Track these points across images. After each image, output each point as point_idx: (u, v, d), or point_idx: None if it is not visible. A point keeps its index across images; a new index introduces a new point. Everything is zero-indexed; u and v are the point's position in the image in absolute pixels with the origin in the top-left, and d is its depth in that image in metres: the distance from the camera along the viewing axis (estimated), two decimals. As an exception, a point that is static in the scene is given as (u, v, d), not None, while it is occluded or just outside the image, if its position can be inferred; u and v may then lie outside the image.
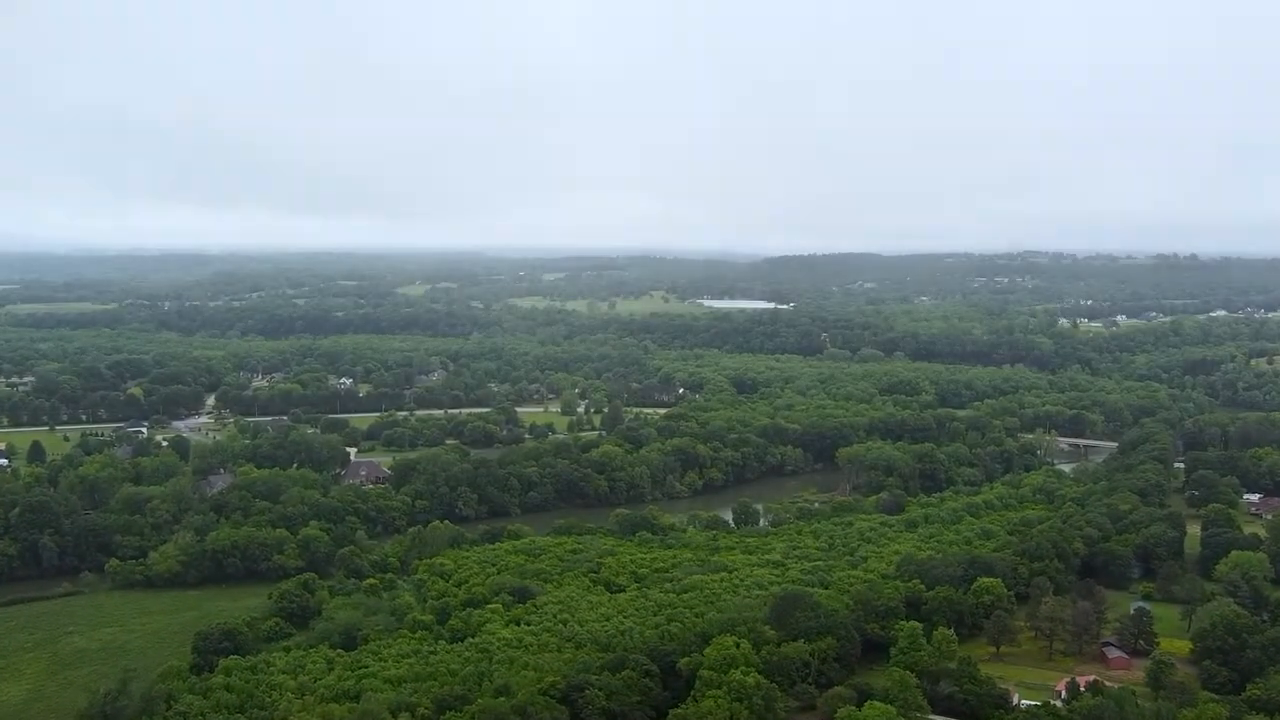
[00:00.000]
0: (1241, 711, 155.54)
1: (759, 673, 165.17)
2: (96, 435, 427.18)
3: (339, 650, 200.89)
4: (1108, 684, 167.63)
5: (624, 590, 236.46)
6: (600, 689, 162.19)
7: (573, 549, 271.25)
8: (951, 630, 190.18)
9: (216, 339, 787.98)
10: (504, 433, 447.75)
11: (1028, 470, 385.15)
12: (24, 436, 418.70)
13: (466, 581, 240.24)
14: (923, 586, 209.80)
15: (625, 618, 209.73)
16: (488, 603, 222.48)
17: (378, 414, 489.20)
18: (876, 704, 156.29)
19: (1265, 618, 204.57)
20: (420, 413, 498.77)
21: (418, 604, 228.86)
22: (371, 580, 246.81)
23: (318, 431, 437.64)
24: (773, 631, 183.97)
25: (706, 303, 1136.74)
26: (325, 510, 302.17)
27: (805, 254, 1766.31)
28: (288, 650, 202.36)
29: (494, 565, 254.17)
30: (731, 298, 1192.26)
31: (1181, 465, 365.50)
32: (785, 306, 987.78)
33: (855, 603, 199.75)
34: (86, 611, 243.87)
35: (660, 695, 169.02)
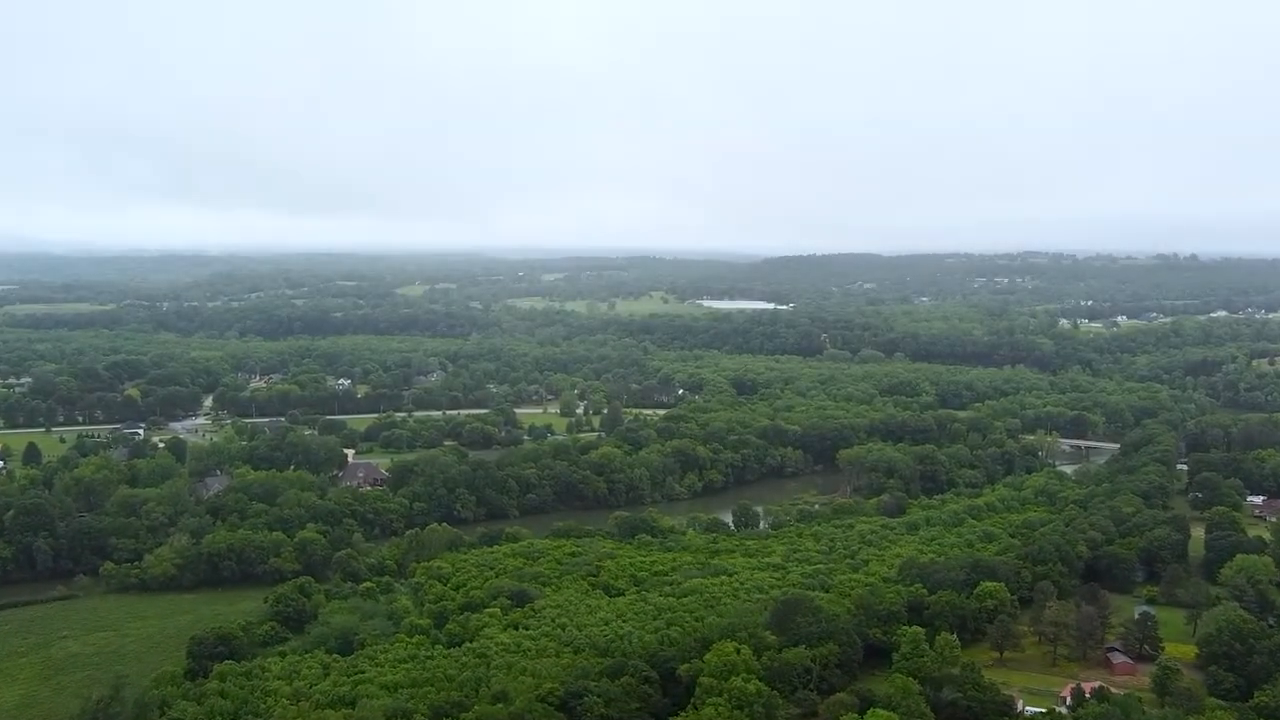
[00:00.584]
0: (1249, 719, 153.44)
1: (760, 679, 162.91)
2: (93, 437, 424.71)
3: (335, 655, 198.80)
4: (1113, 690, 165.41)
5: (623, 594, 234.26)
6: (599, 696, 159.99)
7: (571, 552, 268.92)
8: (954, 635, 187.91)
9: (215, 340, 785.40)
10: (502, 434, 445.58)
11: (1029, 472, 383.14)
12: (20, 438, 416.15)
13: (464, 585, 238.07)
14: (925, 590, 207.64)
15: (624, 622, 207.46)
16: (486, 607, 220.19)
17: (376, 415, 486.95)
18: (879, 711, 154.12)
19: (1271, 622, 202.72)
20: (418, 414, 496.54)
21: (415, 608, 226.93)
22: (368, 584, 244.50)
23: (315, 433, 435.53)
24: (773, 637, 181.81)
25: (706, 303, 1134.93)
26: (322, 513, 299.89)
27: (805, 254, 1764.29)
28: (283, 655, 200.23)
29: (492, 568, 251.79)
30: (731, 298, 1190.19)
31: (1184, 467, 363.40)
32: (785, 307, 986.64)
33: (857, 607, 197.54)
34: (81, 615, 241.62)
35: (660, 702, 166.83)
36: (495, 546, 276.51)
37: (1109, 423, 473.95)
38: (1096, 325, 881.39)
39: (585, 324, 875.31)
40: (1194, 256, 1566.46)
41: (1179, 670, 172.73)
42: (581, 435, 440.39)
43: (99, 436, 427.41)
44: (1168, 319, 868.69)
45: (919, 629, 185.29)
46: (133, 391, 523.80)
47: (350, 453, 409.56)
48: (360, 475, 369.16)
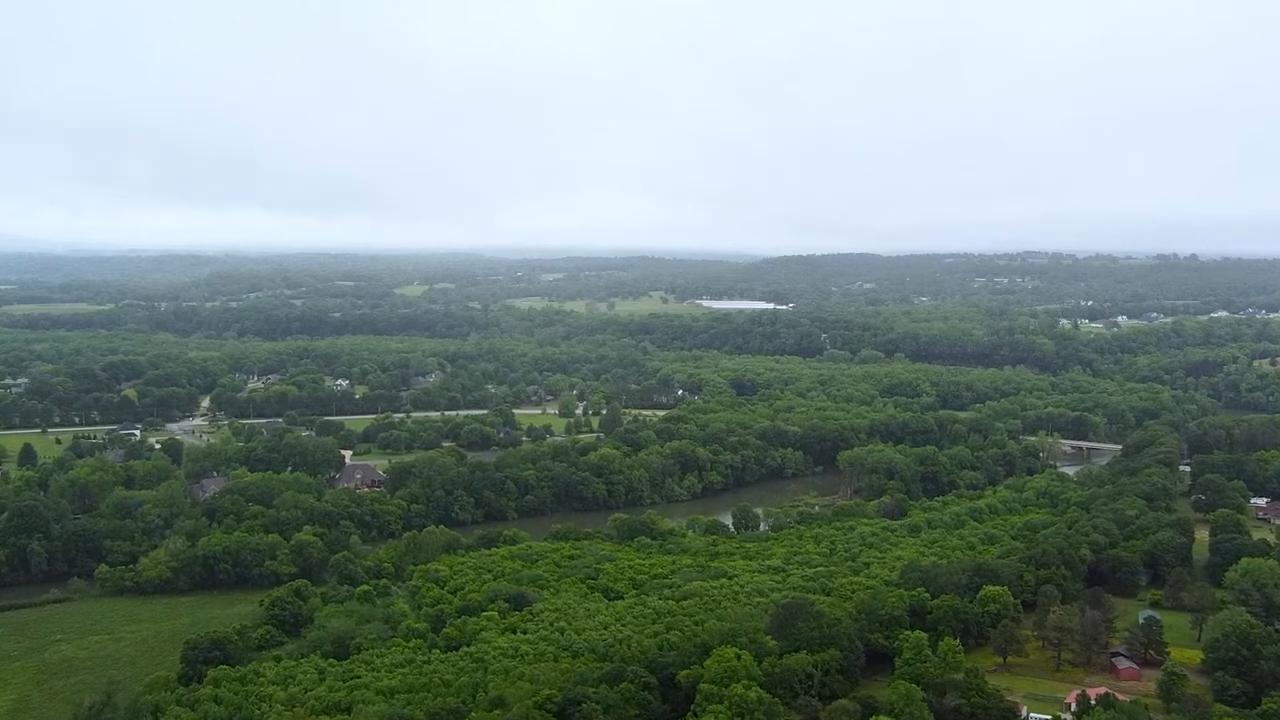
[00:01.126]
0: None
1: (760, 686, 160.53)
2: (89, 438, 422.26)
3: (331, 659, 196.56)
4: (1118, 696, 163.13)
5: (622, 597, 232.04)
6: (598, 703, 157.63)
7: (570, 554, 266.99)
8: (957, 640, 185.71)
9: (213, 340, 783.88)
10: (501, 435, 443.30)
11: (1030, 473, 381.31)
12: (16, 439, 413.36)
13: (462, 588, 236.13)
14: (927, 595, 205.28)
15: (623, 626, 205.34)
16: (483, 610, 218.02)
17: (374, 416, 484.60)
18: (882, 718, 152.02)
19: (1278, 627, 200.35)
20: (417, 415, 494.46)
21: (412, 611, 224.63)
22: (365, 587, 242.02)
23: (313, 434, 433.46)
24: (774, 642, 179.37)
25: (705, 303, 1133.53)
26: (319, 515, 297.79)
27: (804, 254, 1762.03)
28: (278, 660, 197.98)
29: (490, 571, 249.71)
30: (730, 298, 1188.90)
31: (1186, 469, 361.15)
32: (784, 307, 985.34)
33: (858, 611, 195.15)
34: (75, 619, 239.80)
35: (659, 709, 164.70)
36: (493, 549, 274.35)
37: (1110, 424, 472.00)
38: (1097, 325, 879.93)
39: (584, 324, 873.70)
40: (1194, 256, 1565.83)
41: (1185, 676, 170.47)
42: (580, 436, 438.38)
43: (95, 438, 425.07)
44: (1168, 319, 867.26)
45: (921, 634, 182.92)
46: (130, 392, 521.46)
47: (348, 454, 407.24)
48: (358, 477, 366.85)
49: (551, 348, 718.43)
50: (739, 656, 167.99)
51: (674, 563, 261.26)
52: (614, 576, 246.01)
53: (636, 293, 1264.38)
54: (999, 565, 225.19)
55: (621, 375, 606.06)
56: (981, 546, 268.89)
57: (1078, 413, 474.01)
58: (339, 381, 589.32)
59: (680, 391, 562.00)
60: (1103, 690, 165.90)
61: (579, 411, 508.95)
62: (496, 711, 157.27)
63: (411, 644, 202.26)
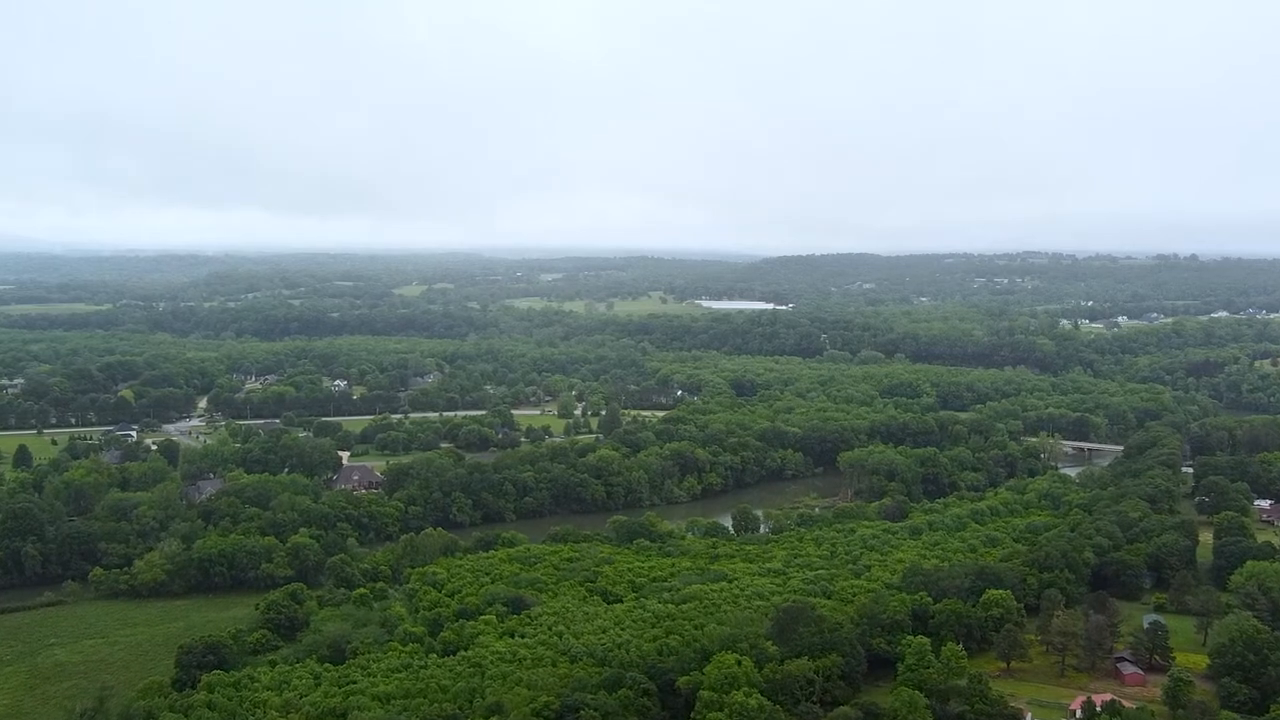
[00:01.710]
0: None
1: (761, 692, 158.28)
2: (85, 439, 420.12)
3: (327, 664, 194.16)
4: (1124, 703, 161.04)
5: (621, 600, 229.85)
6: (596, 709, 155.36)
7: (569, 557, 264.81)
8: (960, 645, 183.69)
9: (211, 340, 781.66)
10: (500, 436, 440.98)
11: (1032, 475, 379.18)
12: (11, 440, 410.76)
13: (459, 591, 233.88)
14: (929, 599, 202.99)
15: (622, 630, 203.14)
16: (481, 614, 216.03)
17: (372, 417, 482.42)
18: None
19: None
20: (415, 416, 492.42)
21: (409, 615, 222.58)
22: (362, 590, 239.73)
23: (310, 435, 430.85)
24: (775, 647, 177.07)
25: (705, 303, 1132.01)
26: (316, 517, 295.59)
27: (803, 254, 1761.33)
28: (273, 664, 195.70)
29: (488, 574, 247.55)
30: (730, 298, 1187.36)
31: (1189, 470, 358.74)
32: (784, 307, 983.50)
33: (860, 616, 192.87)
34: (69, 622, 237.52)
35: (659, 715, 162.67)
36: (491, 551, 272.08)
37: (1111, 424, 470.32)
38: (1097, 326, 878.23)
39: (583, 324, 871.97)
40: (1194, 257, 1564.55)
41: (1191, 682, 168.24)
42: (579, 437, 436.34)
43: (91, 439, 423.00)
44: (1168, 319, 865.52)
45: (924, 639, 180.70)
46: (126, 393, 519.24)
47: (345, 455, 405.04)
48: (355, 478, 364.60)
49: (550, 348, 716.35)
50: (739, 662, 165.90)
51: (673, 565, 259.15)
52: (613, 579, 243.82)
53: (636, 293, 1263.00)
54: (1002, 568, 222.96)
55: (620, 376, 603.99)
56: (983, 549, 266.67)
57: (1079, 413, 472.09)
58: (337, 382, 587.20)
59: (679, 392, 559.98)
60: (1108, 696, 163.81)
61: (578, 412, 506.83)
62: (494, 718, 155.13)
63: (408, 648, 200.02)
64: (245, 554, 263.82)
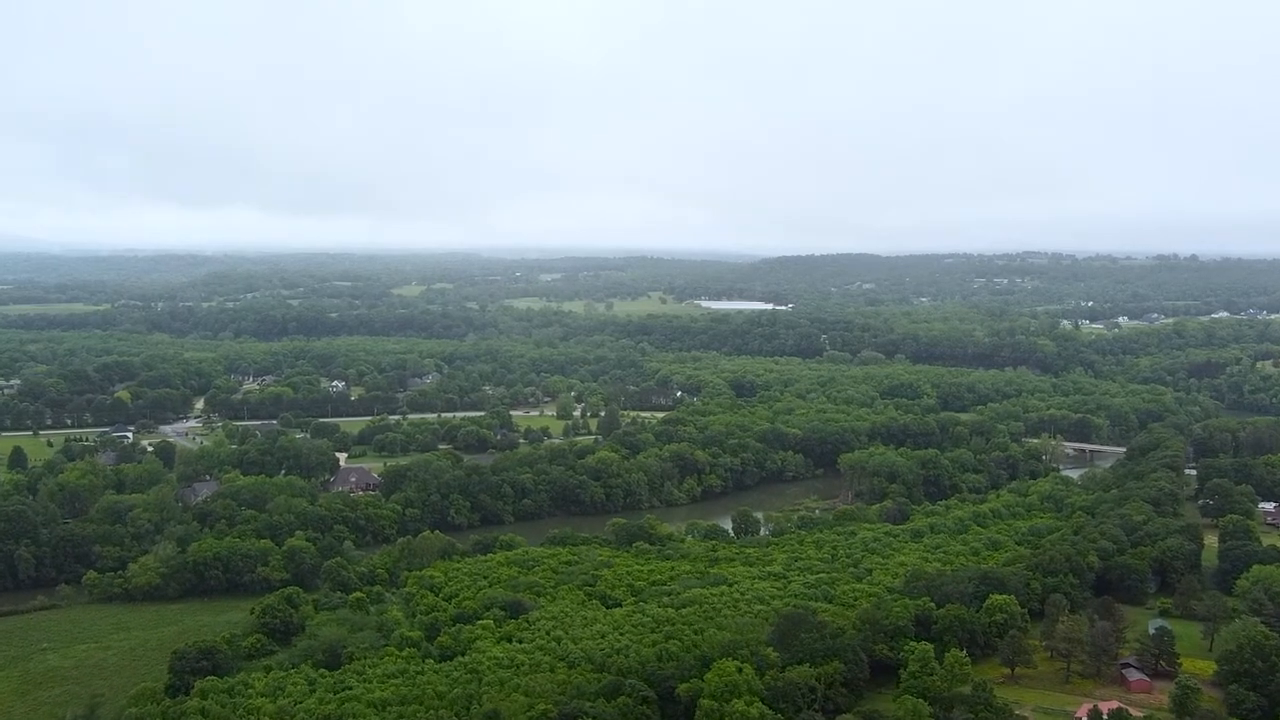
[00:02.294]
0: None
1: (762, 700, 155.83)
2: (80, 440, 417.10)
3: (322, 670, 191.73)
4: (1131, 711, 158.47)
5: (620, 604, 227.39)
6: (594, 718, 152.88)
7: (567, 560, 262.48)
8: (963, 651, 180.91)
9: (208, 340, 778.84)
10: (498, 437, 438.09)
11: (1033, 476, 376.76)
12: (7, 442, 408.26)
13: (457, 595, 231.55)
14: (932, 604, 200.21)
15: (621, 634, 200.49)
16: (478, 618, 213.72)
17: (369, 418, 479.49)
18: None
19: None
20: (413, 417, 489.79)
21: (406, 619, 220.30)
22: (358, 594, 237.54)
23: (307, 436, 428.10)
24: (776, 654, 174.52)
25: (704, 304, 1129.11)
26: (312, 519, 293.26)
27: (802, 254, 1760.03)
28: (268, 670, 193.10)
29: (485, 578, 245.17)
30: (729, 299, 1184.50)
31: (1193, 472, 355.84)
32: (784, 308, 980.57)
33: (862, 622, 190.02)
34: (62, 626, 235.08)
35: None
36: (489, 555, 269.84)
37: (1113, 426, 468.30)
38: (1098, 326, 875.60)
39: (582, 325, 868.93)
40: (1194, 257, 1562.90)
41: (1199, 689, 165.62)
42: (578, 439, 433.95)
43: (87, 440, 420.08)
44: (1169, 320, 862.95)
45: (927, 645, 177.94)
46: (123, 394, 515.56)
47: (343, 457, 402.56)
48: (352, 480, 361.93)
49: (549, 349, 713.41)
50: (740, 670, 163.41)
51: (673, 569, 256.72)
52: (612, 583, 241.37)
53: (635, 293, 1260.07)
54: (1005, 573, 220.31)
55: (620, 376, 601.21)
56: (986, 552, 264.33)
57: (1080, 415, 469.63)
58: (335, 383, 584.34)
59: (679, 393, 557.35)
60: (1115, 704, 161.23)
61: (577, 413, 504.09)
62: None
63: (405, 653, 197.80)
64: (241, 557, 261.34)
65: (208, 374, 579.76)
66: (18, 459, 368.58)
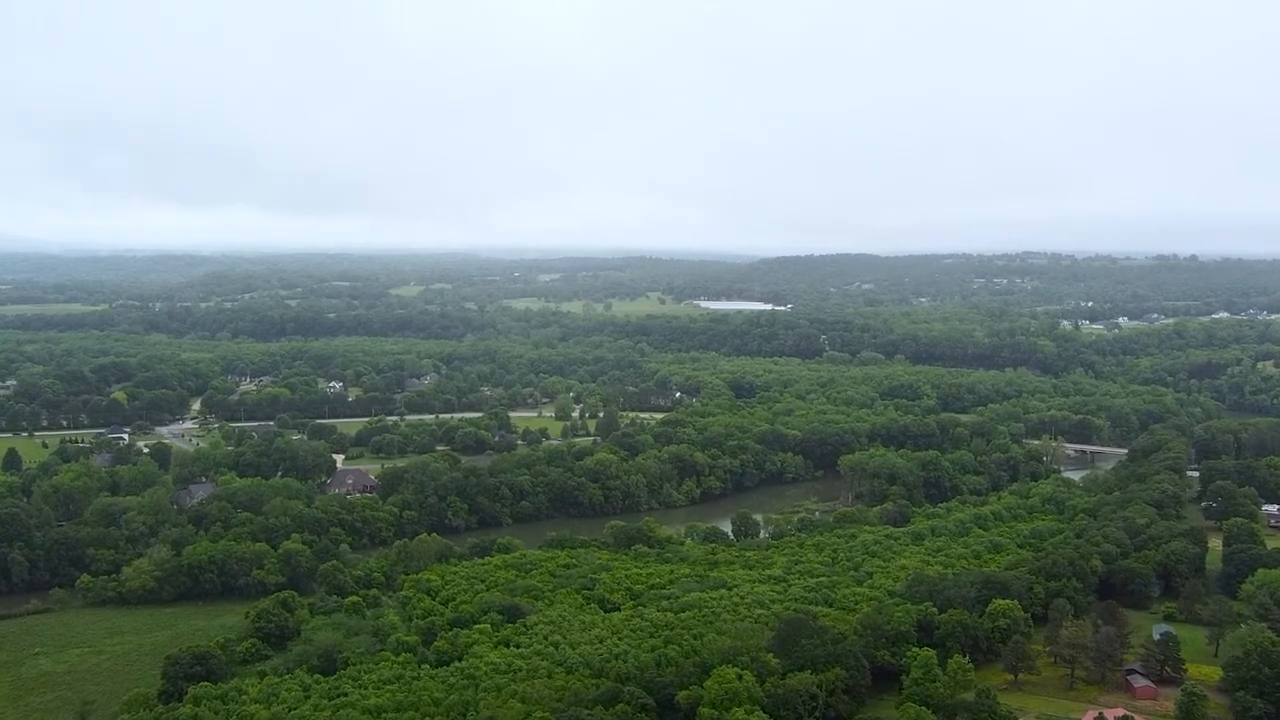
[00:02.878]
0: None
1: (763, 709, 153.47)
2: (76, 442, 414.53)
3: (317, 675, 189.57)
4: (1136, 717, 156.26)
5: (619, 608, 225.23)
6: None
7: (566, 563, 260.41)
8: (966, 658, 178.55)
9: (206, 341, 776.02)
10: (496, 439, 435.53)
11: (1034, 478, 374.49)
12: (1, 443, 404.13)
13: (454, 599, 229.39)
14: (934, 609, 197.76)
15: (620, 639, 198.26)
16: (476, 622, 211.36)
17: (367, 419, 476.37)
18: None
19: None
20: (411, 418, 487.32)
21: (402, 623, 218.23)
22: (354, 598, 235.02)
23: (304, 438, 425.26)
24: (776, 660, 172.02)
25: (703, 304, 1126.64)
26: (308, 522, 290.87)
27: (802, 255, 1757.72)
28: (262, 675, 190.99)
29: (483, 581, 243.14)
30: (728, 299, 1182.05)
31: (1195, 474, 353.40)
32: (783, 308, 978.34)
33: (864, 627, 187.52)
34: (55, 631, 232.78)
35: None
36: (487, 558, 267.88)
37: (1114, 427, 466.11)
38: (1098, 327, 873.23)
39: (581, 325, 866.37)
40: (1194, 257, 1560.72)
41: (1205, 696, 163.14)
42: (577, 440, 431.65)
43: (83, 441, 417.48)
44: (1169, 320, 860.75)
45: (930, 651, 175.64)
46: (119, 395, 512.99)
47: (340, 458, 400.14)
48: (349, 482, 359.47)
49: (548, 349, 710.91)
50: (740, 677, 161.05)
51: (672, 572, 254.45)
52: (610, 587, 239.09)
53: (634, 293, 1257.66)
54: (1008, 577, 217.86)
55: (619, 377, 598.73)
56: (987, 555, 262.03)
57: (1081, 415, 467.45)
58: (332, 384, 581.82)
59: (678, 394, 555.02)
60: (1120, 711, 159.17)
61: (575, 414, 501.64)
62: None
63: (401, 658, 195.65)
64: (236, 560, 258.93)
65: (205, 375, 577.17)
66: (12, 461, 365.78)
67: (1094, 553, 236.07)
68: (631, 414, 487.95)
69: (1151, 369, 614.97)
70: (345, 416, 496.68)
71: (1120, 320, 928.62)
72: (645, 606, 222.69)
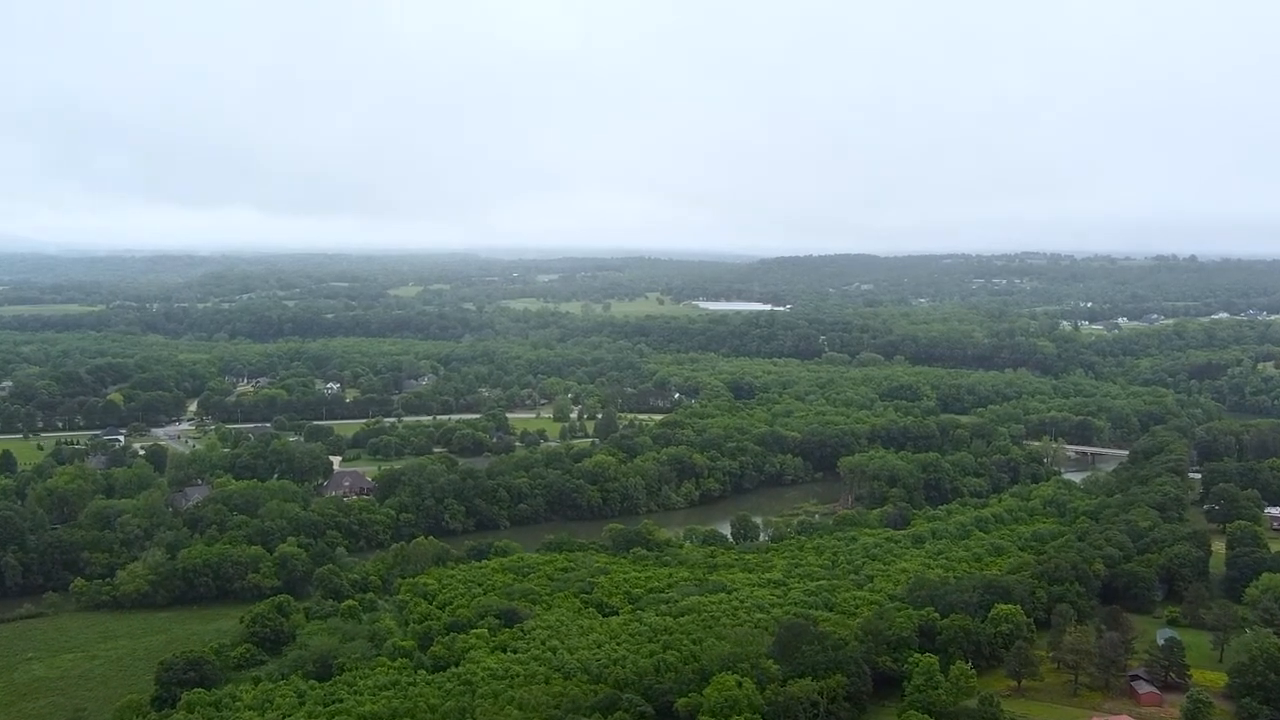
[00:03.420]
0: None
1: (763, 716, 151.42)
2: (71, 444, 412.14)
3: (312, 681, 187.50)
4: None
5: (617, 613, 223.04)
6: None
7: (563, 567, 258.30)
8: (969, 663, 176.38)
9: (203, 342, 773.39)
10: (494, 440, 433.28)
11: (1035, 480, 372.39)
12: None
13: (451, 603, 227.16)
14: (936, 614, 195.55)
15: (618, 644, 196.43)
16: (473, 627, 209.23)
17: (364, 421, 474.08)
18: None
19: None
20: (408, 419, 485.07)
21: (399, 628, 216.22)
22: (351, 601, 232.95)
23: (301, 440, 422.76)
24: (776, 667, 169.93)
25: (702, 304, 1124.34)
26: (305, 525, 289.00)
27: (801, 255, 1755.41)
28: (257, 681, 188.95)
29: (480, 585, 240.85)
30: (727, 299, 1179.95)
31: (1197, 476, 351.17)
32: (782, 309, 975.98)
33: (865, 633, 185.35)
34: (48, 635, 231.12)
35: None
36: (484, 561, 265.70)
37: (1114, 428, 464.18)
38: (1097, 327, 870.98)
39: (580, 326, 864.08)
40: (1194, 258, 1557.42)
41: (1211, 703, 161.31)
42: (575, 441, 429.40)
43: (78, 443, 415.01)
44: (1169, 321, 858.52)
45: (932, 657, 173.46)
46: (116, 396, 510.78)
47: (336, 460, 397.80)
48: (346, 484, 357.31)
49: (546, 350, 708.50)
50: (740, 684, 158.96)
51: (670, 575, 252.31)
52: (609, 590, 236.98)
53: (633, 294, 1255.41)
54: (1010, 581, 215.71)
55: (617, 378, 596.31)
56: (989, 558, 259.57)
57: (1081, 417, 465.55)
58: (329, 385, 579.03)
59: (677, 395, 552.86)
60: (1125, 718, 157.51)
61: (574, 416, 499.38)
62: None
63: (397, 664, 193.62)
64: (231, 564, 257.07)
65: (202, 376, 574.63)
66: (6, 463, 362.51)
67: (1096, 556, 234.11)
68: (630, 415, 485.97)
69: (1151, 370, 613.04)
70: (342, 418, 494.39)
71: (1120, 321, 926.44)
72: (644, 611, 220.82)
